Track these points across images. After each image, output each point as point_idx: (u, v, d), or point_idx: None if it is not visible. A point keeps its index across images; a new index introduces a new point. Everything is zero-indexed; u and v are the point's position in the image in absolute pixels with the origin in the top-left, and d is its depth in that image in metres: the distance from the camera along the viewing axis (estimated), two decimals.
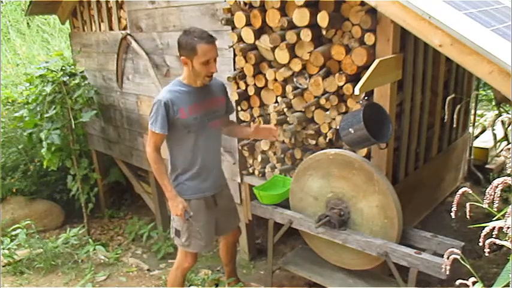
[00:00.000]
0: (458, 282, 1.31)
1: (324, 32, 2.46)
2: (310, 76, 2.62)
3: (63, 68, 4.18)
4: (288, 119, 2.83)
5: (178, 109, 2.34)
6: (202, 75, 2.33)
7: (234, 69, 3.03)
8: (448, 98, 2.44)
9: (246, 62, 2.87)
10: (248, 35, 2.77)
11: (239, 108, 3.10)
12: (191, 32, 2.26)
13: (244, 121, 3.09)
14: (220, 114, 2.54)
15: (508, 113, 3.61)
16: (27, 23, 8.34)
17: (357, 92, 2.01)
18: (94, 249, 3.82)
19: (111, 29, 4.17)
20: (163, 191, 2.47)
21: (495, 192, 1.22)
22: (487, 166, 4.24)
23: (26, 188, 4.78)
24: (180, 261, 2.69)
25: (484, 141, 4.47)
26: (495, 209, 1.22)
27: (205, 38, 2.25)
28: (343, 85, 2.47)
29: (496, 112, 4.21)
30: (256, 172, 3.19)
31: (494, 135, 4.25)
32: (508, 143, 4.13)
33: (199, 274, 3.42)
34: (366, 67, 2.27)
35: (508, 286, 1.19)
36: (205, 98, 2.44)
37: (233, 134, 2.83)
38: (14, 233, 3.75)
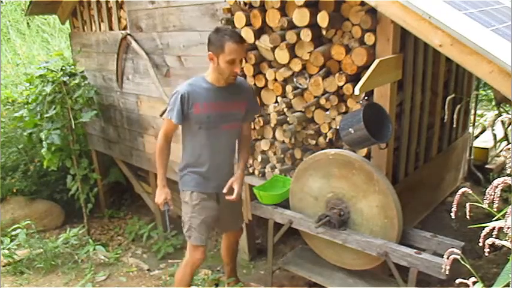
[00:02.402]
0: (458, 281, 1.31)
1: (324, 32, 2.46)
2: (310, 76, 2.62)
3: (63, 68, 4.18)
4: (288, 119, 2.83)
5: (193, 104, 2.37)
6: (226, 74, 2.32)
7: None
8: (448, 98, 2.44)
9: (246, 62, 2.87)
10: (248, 35, 2.77)
11: None
12: (222, 30, 2.30)
13: None
14: (237, 118, 2.52)
15: (508, 113, 3.61)
16: (27, 23, 8.34)
17: (357, 92, 2.01)
18: (94, 249, 3.82)
19: (111, 29, 4.17)
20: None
21: (495, 192, 1.22)
22: (487, 166, 4.24)
23: (26, 188, 4.78)
24: (188, 257, 2.67)
25: (484, 141, 4.47)
26: (495, 209, 1.22)
27: (235, 37, 2.28)
28: (343, 85, 2.47)
29: (496, 112, 4.21)
30: (256, 172, 3.19)
31: (494, 135, 4.25)
32: (508, 143, 4.13)
33: (199, 274, 3.41)
34: (366, 67, 2.27)
35: (508, 286, 1.19)
36: (223, 99, 2.43)
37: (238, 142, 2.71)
38: (14, 233, 3.74)
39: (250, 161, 3.23)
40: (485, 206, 1.24)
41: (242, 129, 2.65)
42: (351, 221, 2.43)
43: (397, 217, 2.26)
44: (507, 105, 3.92)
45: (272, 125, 2.93)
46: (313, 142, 2.78)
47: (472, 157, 4.19)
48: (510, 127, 4.09)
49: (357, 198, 2.38)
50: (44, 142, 3.97)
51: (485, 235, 1.21)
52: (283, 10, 2.59)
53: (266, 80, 2.86)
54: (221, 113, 2.44)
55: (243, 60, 2.38)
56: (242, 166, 2.62)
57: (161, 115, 3.65)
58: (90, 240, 4.11)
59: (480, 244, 1.22)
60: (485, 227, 1.22)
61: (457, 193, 1.31)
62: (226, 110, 2.45)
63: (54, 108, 3.99)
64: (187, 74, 3.43)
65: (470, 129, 4.12)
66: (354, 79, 2.42)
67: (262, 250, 3.70)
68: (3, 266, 3.69)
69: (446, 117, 2.63)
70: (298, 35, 2.51)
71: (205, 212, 2.57)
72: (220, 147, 2.52)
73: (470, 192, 1.29)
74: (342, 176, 2.39)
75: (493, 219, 1.26)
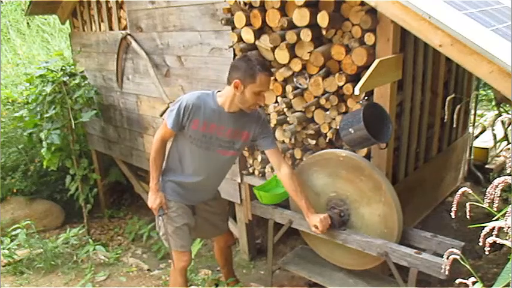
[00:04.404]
0: (458, 281, 1.31)
1: (324, 32, 2.46)
2: (310, 76, 2.63)
3: (63, 68, 4.18)
4: (288, 119, 2.83)
5: (193, 118, 2.28)
6: (249, 104, 2.23)
7: None
8: (448, 98, 2.44)
9: None
10: (248, 35, 2.77)
11: None
12: (253, 60, 2.19)
13: None
14: (235, 147, 2.41)
15: (508, 113, 3.61)
16: (27, 23, 8.34)
17: (356, 92, 2.01)
18: (94, 249, 3.82)
19: (111, 29, 4.17)
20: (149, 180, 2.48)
21: (495, 192, 1.22)
22: (487, 166, 4.24)
23: (26, 188, 4.78)
24: (174, 262, 2.62)
25: (484, 141, 4.47)
26: (495, 209, 1.22)
27: (267, 69, 2.22)
28: (343, 85, 2.47)
29: (496, 112, 4.21)
30: (256, 172, 3.19)
31: (494, 135, 4.25)
32: (508, 143, 4.14)
33: (199, 274, 3.42)
34: (366, 67, 2.27)
35: (508, 286, 1.19)
36: (227, 125, 2.33)
37: (287, 187, 2.45)
38: (14, 233, 3.74)
39: (250, 161, 3.23)
40: (485, 205, 1.24)
41: (272, 158, 2.44)
42: (350, 224, 2.43)
43: (397, 230, 2.27)
44: (507, 105, 3.92)
45: (272, 125, 2.93)
46: (313, 142, 2.78)
47: (472, 157, 4.19)
48: (510, 127, 4.09)
49: (360, 204, 2.37)
50: (44, 142, 3.97)
51: (485, 235, 1.21)
52: (283, 10, 2.59)
53: None
54: (219, 138, 2.35)
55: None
56: (306, 206, 2.37)
57: (161, 115, 3.65)
58: (90, 240, 4.11)
59: (480, 244, 1.22)
60: (485, 226, 1.22)
61: (457, 193, 1.31)
62: (226, 136, 2.35)
63: (54, 108, 3.99)
64: (187, 74, 3.43)
65: (470, 129, 4.12)
66: (354, 79, 2.42)
67: (262, 250, 3.69)
68: (3, 266, 3.69)
69: (446, 117, 2.63)
70: (298, 35, 2.51)
71: (181, 220, 2.51)
72: (208, 168, 2.43)
73: (470, 192, 1.29)
74: (349, 180, 2.38)
75: (493, 219, 1.26)
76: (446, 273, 1.30)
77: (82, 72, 4.37)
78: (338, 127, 2.44)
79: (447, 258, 1.29)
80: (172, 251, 2.58)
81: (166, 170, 2.52)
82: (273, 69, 2.79)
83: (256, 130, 2.41)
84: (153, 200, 2.46)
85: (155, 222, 2.66)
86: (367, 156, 2.58)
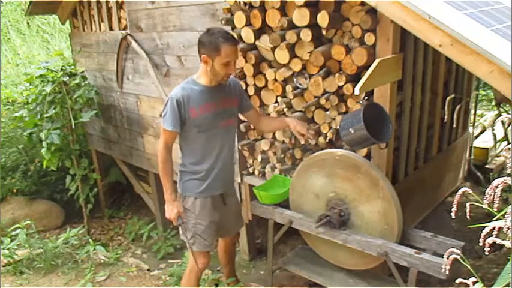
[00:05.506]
0: (458, 281, 1.31)
1: (324, 32, 2.46)
2: (310, 76, 2.63)
3: (63, 68, 4.18)
4: None
5: (189, 107, 2.35)
6: (221, 75, 2.33)
7: None
8: (448, 98, 2.44)
9: (246, 62, 2.87)
10: (248, 35, 2.77)
11: None
12: (215, 32, 2.26)
13: (243, 121, 3.09)
14: (232, 113, 2.54)
15: (508, 113, 3.60)
16: (27, 23, 8.35)
17: (356, 92, 2.01)
18: (94, 249, 3.81)
19: (111, 29, 4.17)
20: (164, 191, 2.48)
21: (495, 192, 1.22)
22: (487, 166, 4.24)
23: (26, 188, 4.78)
24: (191, 264, 2.63)
25: (484, 141, 4.47)
26: (495, 209, 1.22)
27: (230, 39, 2.27)
28: (343, 85, 2.47)
29: (496, 112, 4.21)
30: (256, 172, 3.19)
31: (494, 135, 4.25)
32: (508, 143, 4.13)
33: None
34: (366, 67, 2.27)
35: (508, 286, 1.19)
36: (217, 98, 2.43)
37: (270, 127, 2.79)
38: (14, 233, 3.74)
39: (250, 161, 3.23)
40: (485, 206, 1.24)
41: (254, 117, 2.70)
42: (351, 223, 2.43)
43: (397, 225, 2.27)
44: (507, 105, 3.92)
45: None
46: (313, 142, 2.78)
47: (472, 157, 4.19)
48: (510, 127, 4.09)
49: (359, 202, 2.37)
50: (43, 142, 3.97)
51: (485, 235, 1.21)
52: (283, 10, 2.60)
53: (266, 80, 2.87)
54: (217, 112, 2.42)
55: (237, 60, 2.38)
56: (284, 119, 2.64)
57: (161, 115, 3.64)
58: (90, 240, 4.11)
59: (480, 244, 1.22)
60: (485, 227, 1.22)
61: (457, 193, 1.31)
62: (221, 109, 2.44)
63: (54, 108, 3.99)
64: (187, 74, 3.43)
65: (470, 129, 4.12)
66: (354, 79, 2.42)
67: (262, 250, 3.69)
68: (3, 266, 3.69)
69: (446, 117, 2.63)
70: (298, 35, 2.51)
71: (210, 217, 2.54)
72: (221, 146, 2.50)
73: (470, 192, 1.29)
74: (346, 178, 2.39)
75: (493, 219, 1.26)
76: (447, 273, 1.30)
77: (82, 72, 4.37)
78: (338, 127, 2.44)
79: (447, 258, 1.29)
80: (193, 253, 2.57)
81: (186, 170, 2.53)
82: (273, 69, 2.79)
83: (240, 91, 2.60)
84: (170, 210, 2.48)
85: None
86: (367, 156, 2.58)
